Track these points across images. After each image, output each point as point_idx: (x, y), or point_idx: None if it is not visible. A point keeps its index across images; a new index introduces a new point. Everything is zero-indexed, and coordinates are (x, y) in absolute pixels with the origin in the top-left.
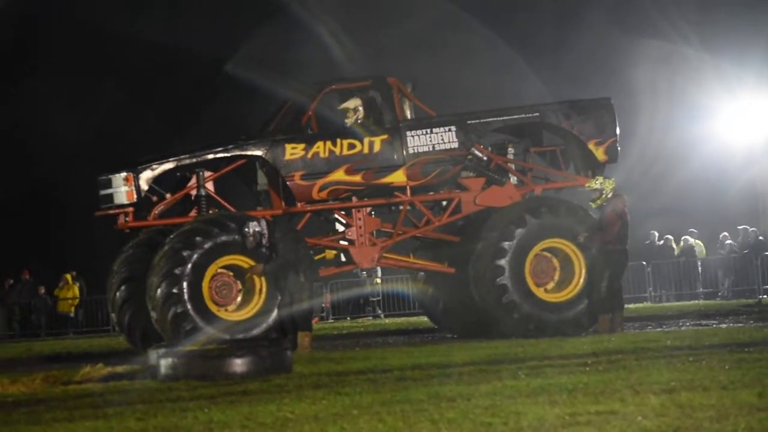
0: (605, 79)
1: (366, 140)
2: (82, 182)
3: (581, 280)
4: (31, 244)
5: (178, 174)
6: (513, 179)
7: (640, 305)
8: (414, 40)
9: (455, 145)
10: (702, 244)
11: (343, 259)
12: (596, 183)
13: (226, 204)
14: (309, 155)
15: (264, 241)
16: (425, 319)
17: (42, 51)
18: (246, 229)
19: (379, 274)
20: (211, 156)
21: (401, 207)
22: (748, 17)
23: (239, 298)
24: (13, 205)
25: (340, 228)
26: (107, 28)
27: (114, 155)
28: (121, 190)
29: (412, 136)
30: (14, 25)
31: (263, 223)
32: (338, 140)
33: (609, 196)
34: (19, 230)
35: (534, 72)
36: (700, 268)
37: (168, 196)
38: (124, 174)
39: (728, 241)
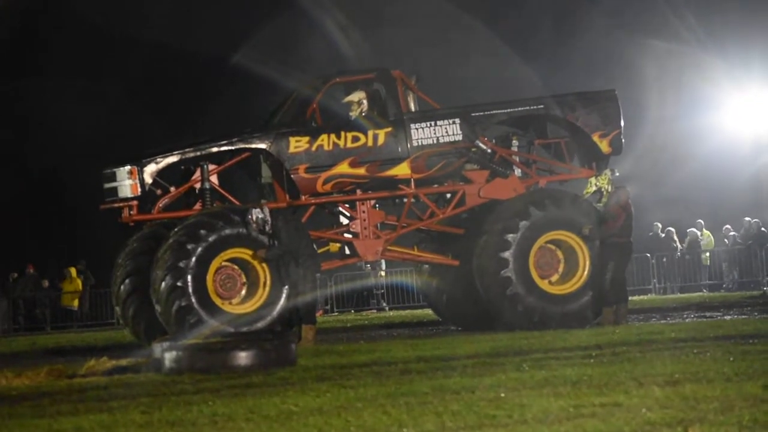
0: (613, 72)
1: (370, 133)
2: (86, 175)
3: (585, 273)
4: (35, 238)
5: (183, 167)
6: (517, 171)
7: (645, 297)
8: (418, 33)
9: (459, 137)
10: (710, 235)
11: (347, 251)
12: (592, 187)
13: (230, 197)
14: (313, 148)
15: (267, 227)
16: (429, 311)
17: (47, 48)
18: (249, 216)
19: (384, 266)
20: (215, 149)
21: (405, 199)
22: (755, 10)
23: (243, 291)
24: (18, 198)
25: (344, 221)
26: (112, 24)
27: (119, 148)
28: (126, 183)
29: (417, 129)
30: (18, 24)
31: (266, 209)
32: (342, 133)
33: (610, 189)
34: (23, 224)
35: (540, 65)
36: (708, 261)
37: (172, 189)
38: (128, 167)
39: (731, 233)
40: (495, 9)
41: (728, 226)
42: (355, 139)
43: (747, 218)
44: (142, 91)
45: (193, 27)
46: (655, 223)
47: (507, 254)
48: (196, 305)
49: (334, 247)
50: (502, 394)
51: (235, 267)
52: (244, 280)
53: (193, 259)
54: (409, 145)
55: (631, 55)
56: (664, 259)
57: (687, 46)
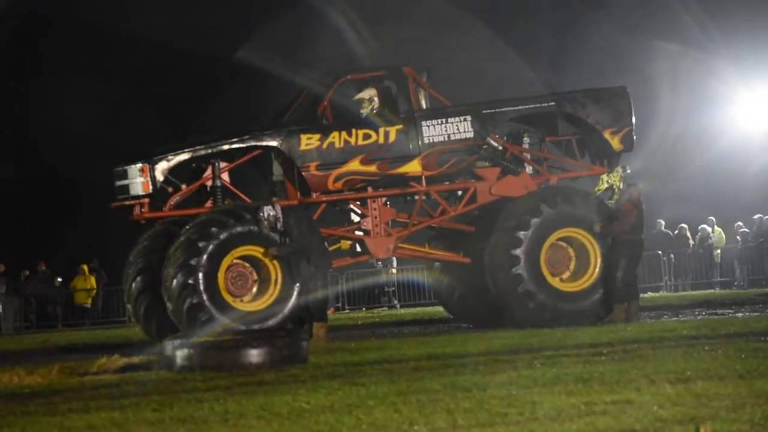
0: (624, 71)
1: (381, 130)
2: (98, 173)
3: (597, 270)
4: (47, 236)
5: (194, 165)
6: (528, 169)
7: (656, 294)
8: (429, 29)
9: (470, 134)
10: (722, 232)
11: (358, 249)
12: (603, 184)
13: (241, 195)
14: (324, 145)
15: (278, 225)
16: (441, 309)
17: (47, 48)
18: (261, 213)
19: (395, 264)
20: (226, 147)
21: (417, 197)
22: (764, 8)
23: (255, 289)
24: (30, 196)
25: (355, 218)
26: (112, 24)
27: (119, 148)
28: (137, 181)
29: (428, 126)
30: (19, 23)
31: (278, 207)
32: (353, 130)
33: (621, 186)
34: (35, 221)
35: (554, 61)
36: (719, 258)
37: (183, 186)
38: (139, 165)
39: (742, 230)
40: (505, 9)
41: (740, 222)
42: (366, 136)
43: (758, 215)
44: (143, 91)
45: (195, 26)
46: (659, 220)
47: (518, 251)
48: (207, 303)
49: (345, 244)
50: (514, 392)
51: (247, 264)
52: (256, 277)
53: (205, 256)
54: (420, 143)
55: (643, 55)
56: (672, 255)
57: (698, 45)
